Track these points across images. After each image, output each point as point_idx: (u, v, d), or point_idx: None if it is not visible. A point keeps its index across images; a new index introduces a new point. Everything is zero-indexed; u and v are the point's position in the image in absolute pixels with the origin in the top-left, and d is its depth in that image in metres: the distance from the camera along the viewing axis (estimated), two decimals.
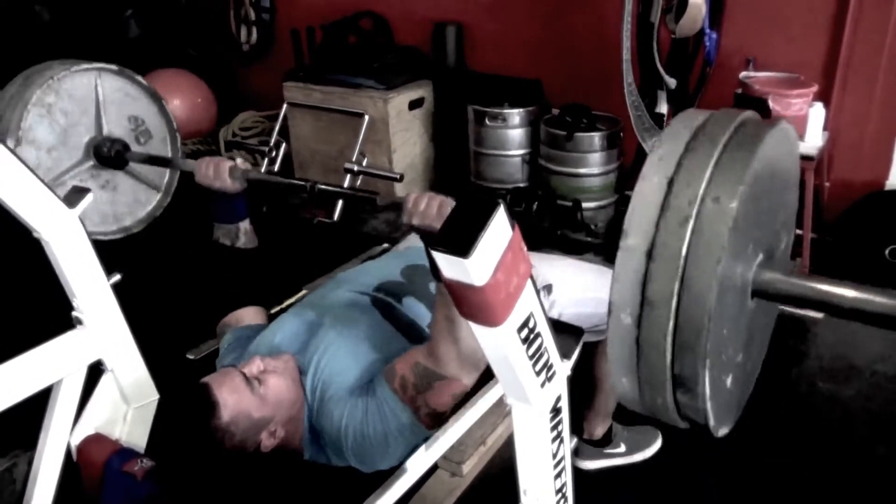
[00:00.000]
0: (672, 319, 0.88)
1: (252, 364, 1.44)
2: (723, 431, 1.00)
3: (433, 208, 1.31)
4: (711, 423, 0.94)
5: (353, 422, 1.42)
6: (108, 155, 2.03)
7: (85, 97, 2.05)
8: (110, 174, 2.12)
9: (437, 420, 1.45)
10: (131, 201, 2.18)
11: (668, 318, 0.88)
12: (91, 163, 2.05)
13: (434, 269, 1.31)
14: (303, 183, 1.62)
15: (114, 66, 2.10)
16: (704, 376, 0.90)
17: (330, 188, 1.61)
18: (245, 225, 1.79)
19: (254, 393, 1.39)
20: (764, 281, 1.00)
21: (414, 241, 2.00)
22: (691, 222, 0.86)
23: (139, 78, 2.15)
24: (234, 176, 1.66)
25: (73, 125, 2.02)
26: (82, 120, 2.04)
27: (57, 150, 1.98)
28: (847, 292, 0.96)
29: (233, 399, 1.37)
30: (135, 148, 2.12)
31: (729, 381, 1.01)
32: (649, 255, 0.89)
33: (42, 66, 1.99)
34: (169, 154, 2.26)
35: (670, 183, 0.89)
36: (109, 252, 1.63)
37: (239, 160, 1.70)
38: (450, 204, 1.28)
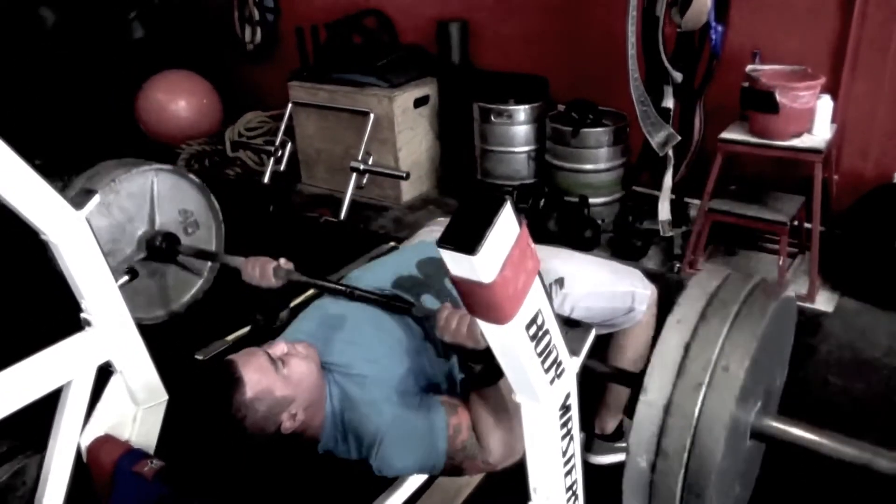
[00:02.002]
0: (683, 468, 1.00)
1: (276, 346, 1.47)
2: None
3: (463, 328, 1.35)
4: None
5: (394, 433, 1.43)
6: (160, 247, 2.16)
7: (141, 194, 2.17)
8: (160, 264, 2.26)
9: (456, 474, 1.54)
10: (176, 286, 2.34)
11: (679, 467, 1.00)
12: (143, 255, 2.18)
13: (468, 357, 1.36)
14: (342, 288, 1.68)
15: (168, 166, 2.25)
16: None
17: (367, 294, 1.64)
18: (284, 314, 1.86)
19: (277, 372, 1.41)
20: (762, 426, 1.16)
21: (426, 237, 2.00)
22: (703, 388, 0.98)
23: (191, 175, 2.32)
24: (278, 276, 1.77)
25: (129, 220, 2.15)
26: (138, 214, 2.17)
27: (112, 243, 2.09)
28: (829, 443, 1.17)
29: (257, 376, 1.39)
30: (183, 237, 2.27)
31: None
32: (666, 410, 1.00)
33: (103, 167, 2.13)
34: (213, 243, 2.42)
35: (687, 347, 1.02)
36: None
37: (282, 260, 1.80)
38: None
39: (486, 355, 1.19)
